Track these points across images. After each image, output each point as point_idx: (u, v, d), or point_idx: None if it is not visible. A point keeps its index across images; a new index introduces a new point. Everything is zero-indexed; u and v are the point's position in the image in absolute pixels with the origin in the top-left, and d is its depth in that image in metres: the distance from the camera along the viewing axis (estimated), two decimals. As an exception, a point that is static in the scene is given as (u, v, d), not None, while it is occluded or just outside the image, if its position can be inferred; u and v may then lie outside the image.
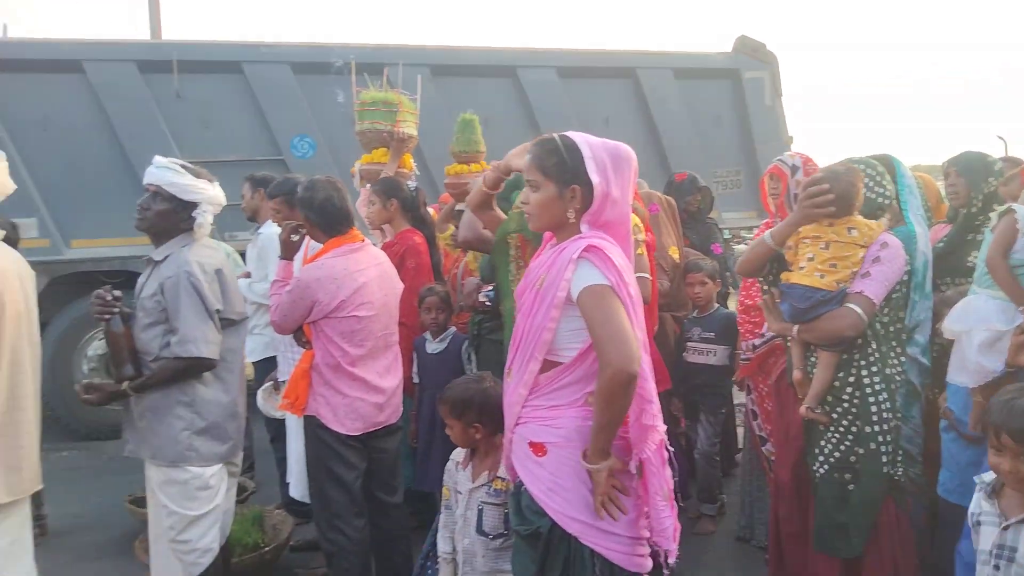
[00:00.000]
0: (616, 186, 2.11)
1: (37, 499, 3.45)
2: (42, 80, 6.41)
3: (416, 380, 4.08)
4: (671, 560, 2.14)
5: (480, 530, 2.67)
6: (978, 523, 2.15)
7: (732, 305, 4.77)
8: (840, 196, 2.71)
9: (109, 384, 2.99)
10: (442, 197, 5.40)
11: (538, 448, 2.12)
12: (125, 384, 2.90)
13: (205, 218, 3.00)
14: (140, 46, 7.06)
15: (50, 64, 6.43)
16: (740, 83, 8.13)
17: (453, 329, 4.12)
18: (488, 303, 3.80)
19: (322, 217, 3.21)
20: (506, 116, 7.40)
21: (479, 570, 2.68)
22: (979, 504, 2.16)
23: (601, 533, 2.06)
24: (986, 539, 2.10)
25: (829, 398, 2.84)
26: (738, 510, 4.27)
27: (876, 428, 2.77)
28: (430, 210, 4.69)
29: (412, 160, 5.08)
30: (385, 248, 3.90)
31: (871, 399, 2.78)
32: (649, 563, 2.11)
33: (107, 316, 2.91)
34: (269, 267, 4.42)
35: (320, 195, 3.20)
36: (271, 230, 4.51)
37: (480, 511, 2.68)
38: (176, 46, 6.97)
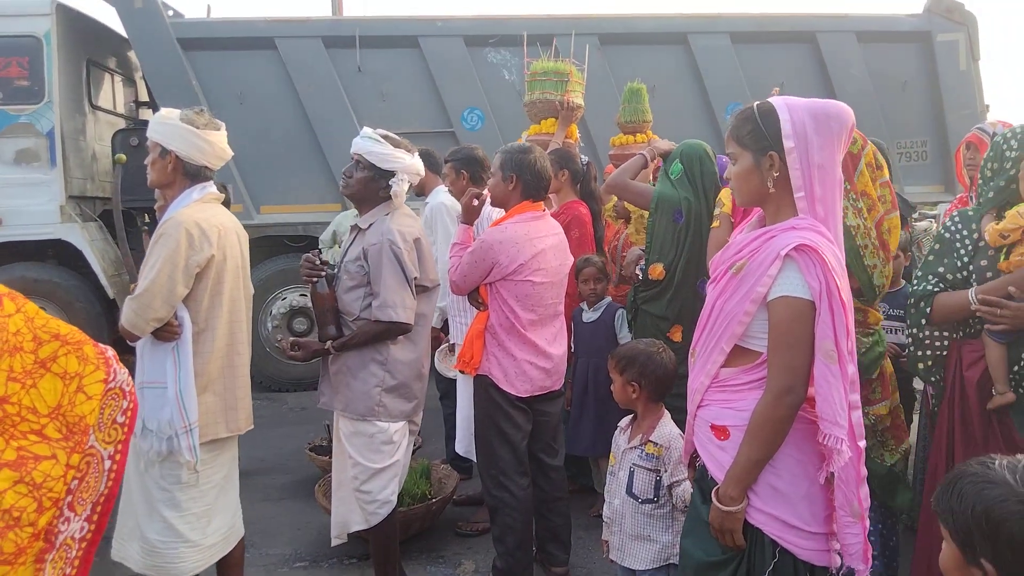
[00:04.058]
0: (818, 149, 1.91)
1: (235, 442, 3.77)
2: (239, 57, 6.95)
3: (571, 349, 4.13)
4: None
5: (630, 491, 2.71)
6: None
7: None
8: None
9: (314, 342, 3.18)
10: (606, 168, 5.38)
11: (720, 431, 2.00)
12: (328, 343, 3.10)
13: (400, 186, 3.13)
14: (325, 23, 7.47)
15: (247, 42, 6.96)
16: (931, 46, 7.52)
17: (608, 299, 4.14)
18: (640, 275, 3.78)
19: (535, 179, 3.32)
20: (674, 85, 7.26)
21: (627, 532, 2.73)
22: None
23: (783, 525, 1.93)
24: None
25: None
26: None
27: None
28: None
29: (577, 131, 5.10)
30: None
31: None
32: (832, 559, 1.97)
33: (314, 278, 3.12)
34: (436, 235, 4.59)
35: (539, 161, 3.33)
36: (437, 200, 4.67)
37: (631, 472, 2.72)
38: (358, 22, 7.31)
